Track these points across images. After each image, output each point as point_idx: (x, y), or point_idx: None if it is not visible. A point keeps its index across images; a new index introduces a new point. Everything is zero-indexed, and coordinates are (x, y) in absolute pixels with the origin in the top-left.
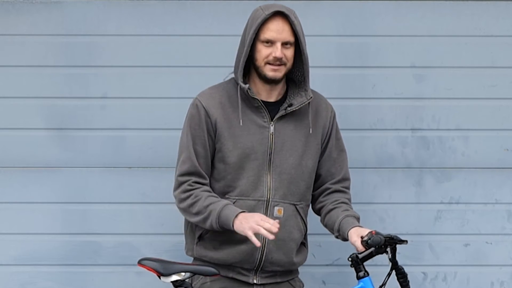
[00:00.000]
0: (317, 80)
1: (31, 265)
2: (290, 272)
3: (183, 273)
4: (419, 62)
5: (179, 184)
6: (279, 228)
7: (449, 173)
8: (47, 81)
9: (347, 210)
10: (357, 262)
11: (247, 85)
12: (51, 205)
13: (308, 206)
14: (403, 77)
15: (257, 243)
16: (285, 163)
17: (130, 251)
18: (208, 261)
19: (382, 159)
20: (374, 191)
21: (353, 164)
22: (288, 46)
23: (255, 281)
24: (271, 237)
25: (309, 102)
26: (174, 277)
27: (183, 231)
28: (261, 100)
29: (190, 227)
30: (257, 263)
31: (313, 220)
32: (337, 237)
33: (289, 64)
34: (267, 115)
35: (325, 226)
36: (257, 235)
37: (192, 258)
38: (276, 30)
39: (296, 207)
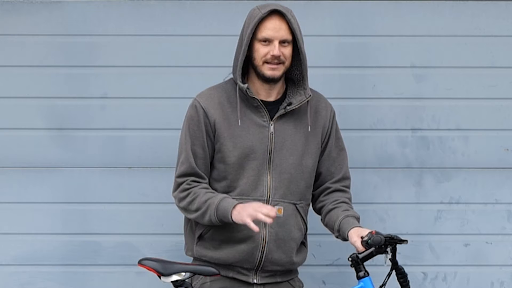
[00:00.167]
0: (317, 80)
1: (31, 265)
2: (290, 271)
3: (183, 273)
4: (419, 62)
5: (177, 185)
6: (275, 217)
7: (449, 173)
8: (47, 81)
9: (347, 210)
10: (357, 262)
11: (246, 85)
12: (51, 205)
13: (308, 205)
14: (403, 77)
15: (256, 228)
16: (285, 163)
17: (130, 251)
18: (208, 261)
19: (382, 159)
20: (374, 191)
21: (353, 164)
22: (286, 44)
23: (255, 281)
24: (269, 221)
25: (308, 101)
26: (175, 277)
27: (183, 231)
28: (260, 100)
29: (190, 227)
30: (257, 262)
31: (313, 220)
32: (337, 237)
33: (287, 63)
34: (266, 115)
35: (326, 226)
36: (256, 235)
37: (192, 258)
38: (273, 28)
39: (296, 207)
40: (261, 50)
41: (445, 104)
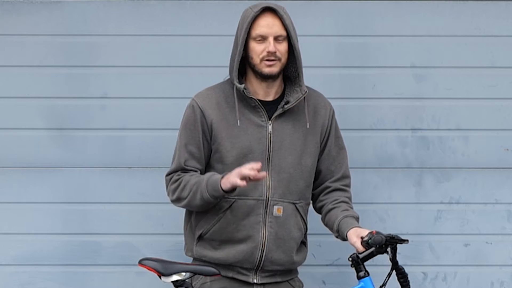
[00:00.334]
0: (317, 80)
1: (31, 265)
2: (290, 271)
3: (183, 273)
4: (419, 62)
5: (168, 181)
6: (260, 169)
7: (449, 173)
8: (47, 81)
9: (347, 210)
10: (358, 262)
11: (243, 85)
12: (51, 205)
13: (308, 204)
14: (403, 77)
15: (242, 183)
16: (284, 162)
17: (130, 251)
18: (208, 261)
19: (382, 159)
20: (374, 191)
21: (353, 164)
22: (281, 40)
23: (255, 281)
24: (253, 173)
25: (305, 98)
26: (175, 277)
27: (183, 231)
28: (258, 100)
29: (190, 227)
30: (257, 262)
31: (313, 220)
32: (337, 237)
33: (283, 59)
34: (264, 114)
35: (326, 225)
36: (256, 235)
37: (192, 259)
38: (267, 25)
39: (295, 206)
40: (257, 48)
41: (445, 104)
